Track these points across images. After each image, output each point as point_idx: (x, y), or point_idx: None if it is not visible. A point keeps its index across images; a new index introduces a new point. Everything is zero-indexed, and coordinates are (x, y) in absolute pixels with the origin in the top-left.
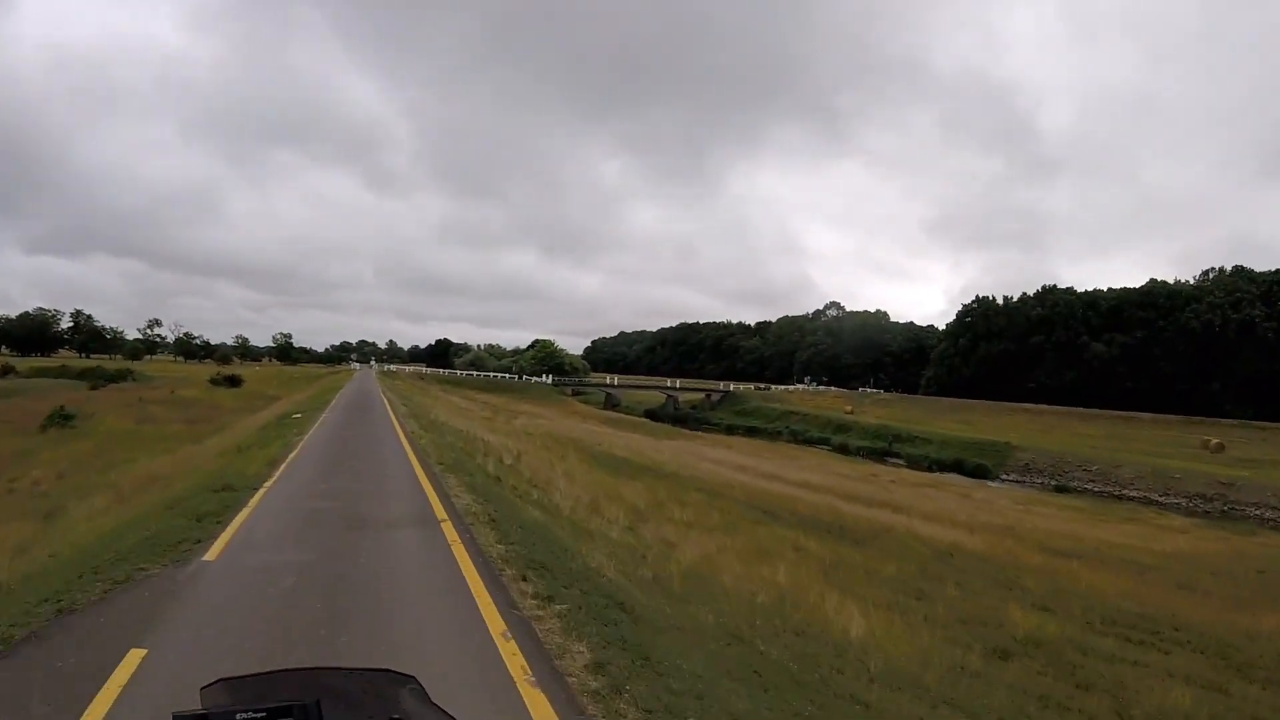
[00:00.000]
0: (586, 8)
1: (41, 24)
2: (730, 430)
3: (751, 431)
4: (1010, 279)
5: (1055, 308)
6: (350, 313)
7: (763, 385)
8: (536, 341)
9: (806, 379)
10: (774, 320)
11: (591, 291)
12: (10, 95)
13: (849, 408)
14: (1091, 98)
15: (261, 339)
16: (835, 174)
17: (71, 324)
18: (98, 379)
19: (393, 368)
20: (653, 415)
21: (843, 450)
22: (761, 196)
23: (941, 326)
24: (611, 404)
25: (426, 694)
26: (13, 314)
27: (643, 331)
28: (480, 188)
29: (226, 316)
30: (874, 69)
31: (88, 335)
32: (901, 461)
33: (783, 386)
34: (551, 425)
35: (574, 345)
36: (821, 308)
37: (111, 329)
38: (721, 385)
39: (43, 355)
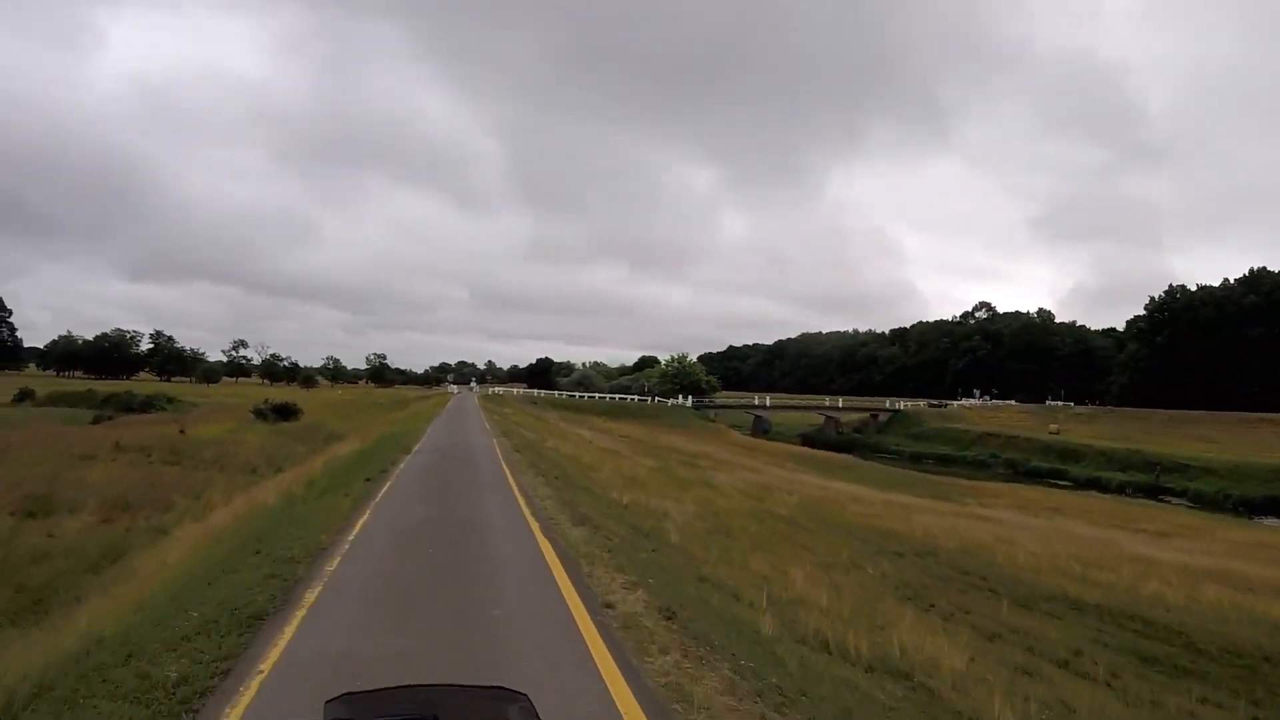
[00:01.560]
0: (670, 6)
1: (128, 57)
2: (916, 460)
3: (944, 461)
4: (1121, 274)
5: (1272, 294)
6: (444, 333)
7: (936, 401)
8: (644, 359)
9: (975, 392)
10: (908, 326)
11: (681, 305)
12: (103, 127)
13: (1054, 426)
14: (1197, 76)
15: (358, 362)
16: (934, 172)
17: (151, 345)
18: (120, 407)
19: (499, 390)
20: (811, 442)
21: (1095, 487)
22: (856, 199)
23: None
24: (761, 429)
25: (536, 712)
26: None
27: (755, 345)
28: (567, 203)
29: (322, 338)
30: (975, 55)
31: (166, 357)
32: (1184, 501)
33: (957, 402)
34: (760, 478)
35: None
36: (971, 309)
37: (193, 350)
38: (889, 403)
39: (121, 378)
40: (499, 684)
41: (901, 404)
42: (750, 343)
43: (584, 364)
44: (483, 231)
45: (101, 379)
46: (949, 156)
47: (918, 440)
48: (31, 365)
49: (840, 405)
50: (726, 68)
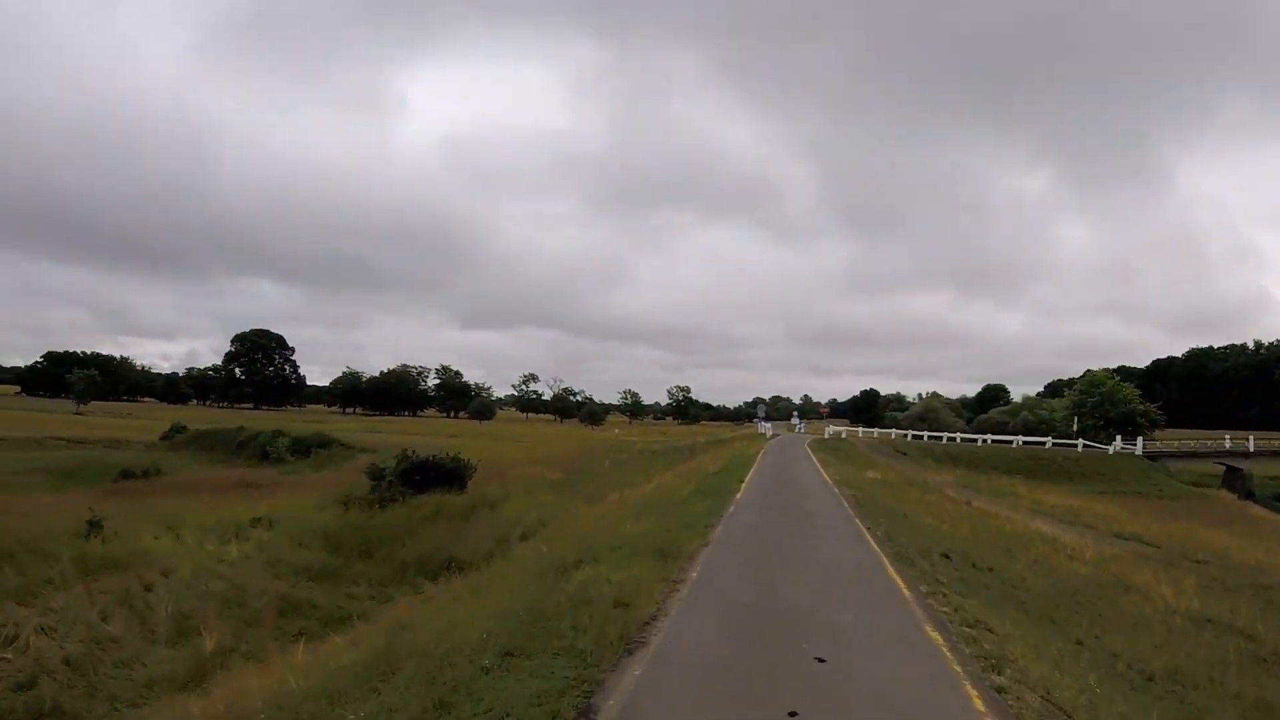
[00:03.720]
0: None
1: (432, 122)
2: None
3: None
4: None
5: None
6: (758, 369)
7: None
8: (989, 388)
9: None
10: None
11: (1012, 332)
12: (421, 189)
13: None
14: None
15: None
16: None
17: (438, 381)
18: (254, 453)
19: (839, 430)
20: None
21: None
22: (1209, 194)
23: None
24: (1243, 491)
25: None
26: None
27: (1122, 367)
28: (885, 225)
29: (644, 377)
30: None
31: (450, 392)
32: None
33: None
34: None
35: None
36: None
37: (477, 385)
38: None
39: (403, 414)
40: None
41: None
42: (1109, 366)
43: (918, 396)
44: (797, 261)
45: (380, 415)
46: None
47: None
48: (323, 405)
49: None
50: (1054, 50)
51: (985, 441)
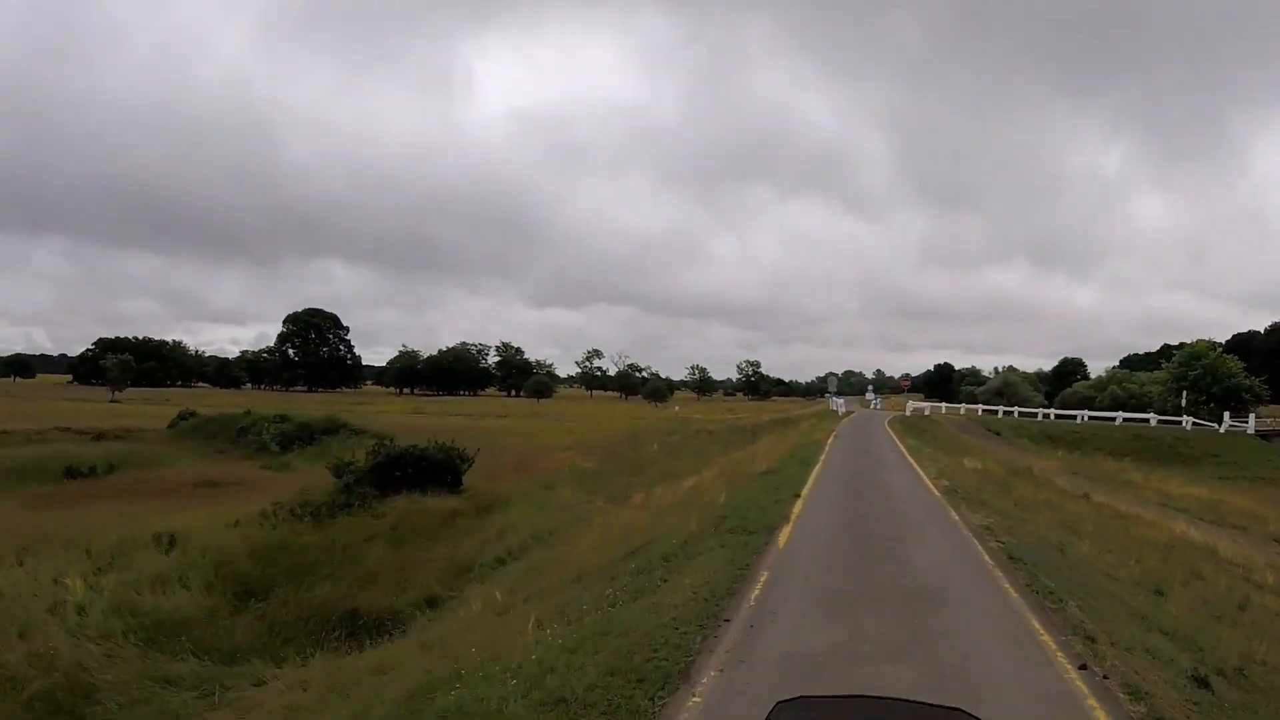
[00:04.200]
0: None
1: (502, 98)
2: None
3: None
4: None
5: None
6: (832, 344)
7: None
8: (1066, 361)
9: None
10: None
11: (1085, 307)
12: (491, 166)
13: None
14: None
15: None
16: None
17: (499, 358)
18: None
19: (922, 407)
20: None
21: None
22: None
23: None
24: None
25: None
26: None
27: (1203, 340)
28: (960, 197)
29: (720, 356)
30: None
31: (510, 370)
32: None
33: None
34: None
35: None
36: None
37: (538, 362)
38: None
39: (461, 394)
40: (957, 706)
41: None
42: (1185, 341)
43: (995, 370)
44: (871, 236)
45: (436, 396)
46: None
47: None
48: (381, 387)
49: None
50: (1131, 26)
51: (1083, 419)
